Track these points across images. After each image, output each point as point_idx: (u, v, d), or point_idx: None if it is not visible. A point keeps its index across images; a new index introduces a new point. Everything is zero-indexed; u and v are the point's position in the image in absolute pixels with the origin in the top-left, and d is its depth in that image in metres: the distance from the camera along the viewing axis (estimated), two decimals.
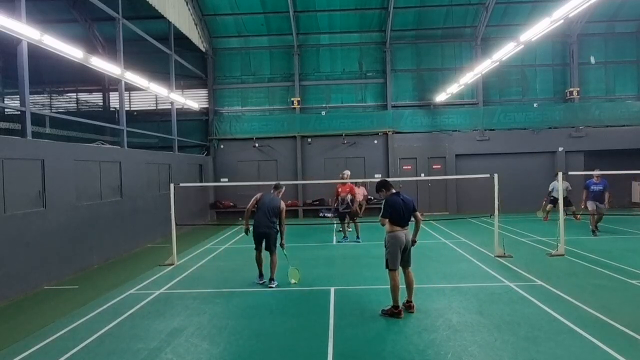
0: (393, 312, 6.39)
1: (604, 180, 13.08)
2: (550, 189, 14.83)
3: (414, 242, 6.65)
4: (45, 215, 8.81)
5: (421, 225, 6.73)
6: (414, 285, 6.69)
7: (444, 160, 19.40)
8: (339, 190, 12.86)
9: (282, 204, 8.40)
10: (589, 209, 13.09)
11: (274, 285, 8.12)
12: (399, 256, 6.44)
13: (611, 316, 6.11)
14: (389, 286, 6.46)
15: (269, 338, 5.84)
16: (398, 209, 6.46)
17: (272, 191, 8.63)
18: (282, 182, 9.03)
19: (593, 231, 12.91)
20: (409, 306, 6.55)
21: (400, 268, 6.53)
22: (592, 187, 13.07)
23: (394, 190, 6.67)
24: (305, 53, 19.92)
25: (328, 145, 19.57)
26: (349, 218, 13.05)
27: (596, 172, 13.05)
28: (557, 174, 15.14)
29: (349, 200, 12.76)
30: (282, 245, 8.37)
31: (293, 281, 8.30)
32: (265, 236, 8.30)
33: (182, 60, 17.40)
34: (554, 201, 14.93)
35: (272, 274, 8.26)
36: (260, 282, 8.43)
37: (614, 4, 18.35)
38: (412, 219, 6.64)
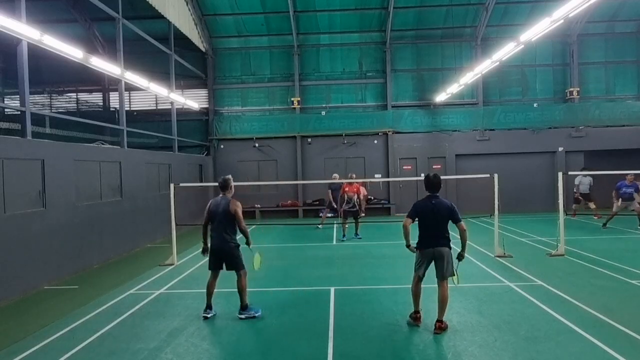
0: (412, 317, 6.09)
1: (635, 183, 13.33)
2: (576, 183, 15.40)
3: (461, 256, 5.89)
4: (45, 215, 8.80)
5: (467, 237, 5.83)
6: (447, 303, 5.85)
7: (444, 160, 19.39)
8: (346, 189, 13.03)
9: (234, 205, 6.57)
10: (614, 208, 13.61)
11: (243, 317, 6.48)
12: (422, 264, 5.94)
13: (611, 316, 6.11)
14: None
15: (269, 338, 5.85)
16: (424, 215, 5.86)
17: (220, 194, 6.80)
18: (229, 177, 6.86)
19: (604, 224, 13.71)
20: (436, 327, 5.75)
21: (437, 279, 5.94)
22: (623, 189, 13.37)
23: (433, 194, 5.96)
24: (305, 53, 19.91)
25: (328, 145, 19.56)
26: (351, 216, 13.21)
27: (629, 176, 13.24)
28: (582, 169, 15.69)
29: (355, 201, 12.97)
30: (248, 244, 6.74)
31: (257, 267, 6.77)
32: (222, 253, 6.60)
33: (182, 60, 17.40)
34: (578, 199, 15.29)
35: (242, 300, 6.54)
36: (208, 315, 6.53)
37: (614, 4, 18.33)
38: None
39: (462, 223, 5.79)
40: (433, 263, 5.93)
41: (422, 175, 6.21)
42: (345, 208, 13.11)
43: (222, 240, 6.58)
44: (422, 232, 5.95)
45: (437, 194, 5.96)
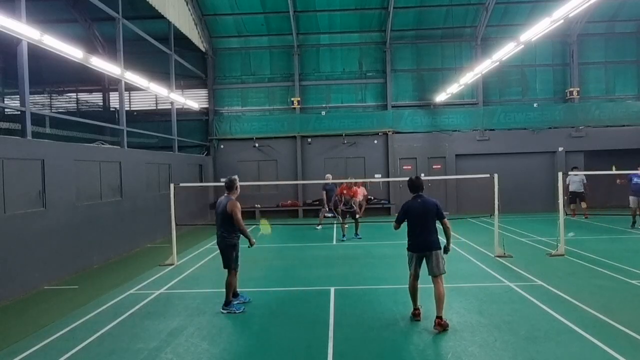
0: (413, 314, 6.30)
1: None
2: (567, 182, 15.20)
3: (446, 249, 6.11)
4: (45, 215, 8.80)
5: (451, 232, 6.15)
6: (443, 299, 5.93)
7: (444, 160, 19.39)
8: (344, 191, 13.11)
9: (231, 206, 6.75)
10: (630, 204, 13.59)
11: (224, 312, 6.76)
12: (413, 261, 6.18)
13: (611, 316, 6.11)
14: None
15: (269, 338, 5.85)
16: (413, 214, 6.07)
17: (225, 193, 7.14)
18: (235, 177, 7.33)
19: (633, 223, 13.57)
20: (436, 323, 5.84)
21: (431, 277, 6.08)
22: (634, 180, 13.33)
23: (418, 193, 6.20)
24: (305, 53, 19.90)
25: (328, 145, 19.56)
26: (349, 216, 13.26)
27: None
28: (573, 168, 15.64)
29: (352, 202, 13.14)
30: (250, 244, 7.00)
31: (262, 232, 7.24)
32: (220, 250, 6.99)
33: (182, 60, 17.40)
34: (573, 198, 15.26)
35: (226, 296, 6.87)
36: (240, 302, 7.06)
37: (614, 4, 18.33)
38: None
39: (446, 220, 6.09)
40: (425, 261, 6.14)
41: (422, 175, 6.36)
42: (343, 208, 13.25)
43: (220, 238, 6.97)
44: (412, 232, 6.13)
45: (422, 194, 6.23)
